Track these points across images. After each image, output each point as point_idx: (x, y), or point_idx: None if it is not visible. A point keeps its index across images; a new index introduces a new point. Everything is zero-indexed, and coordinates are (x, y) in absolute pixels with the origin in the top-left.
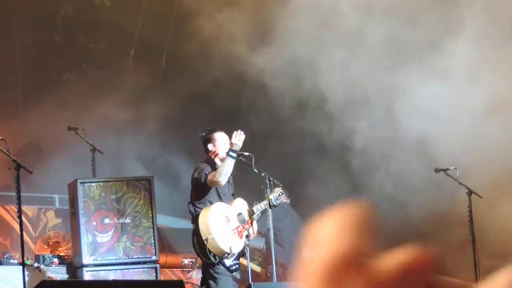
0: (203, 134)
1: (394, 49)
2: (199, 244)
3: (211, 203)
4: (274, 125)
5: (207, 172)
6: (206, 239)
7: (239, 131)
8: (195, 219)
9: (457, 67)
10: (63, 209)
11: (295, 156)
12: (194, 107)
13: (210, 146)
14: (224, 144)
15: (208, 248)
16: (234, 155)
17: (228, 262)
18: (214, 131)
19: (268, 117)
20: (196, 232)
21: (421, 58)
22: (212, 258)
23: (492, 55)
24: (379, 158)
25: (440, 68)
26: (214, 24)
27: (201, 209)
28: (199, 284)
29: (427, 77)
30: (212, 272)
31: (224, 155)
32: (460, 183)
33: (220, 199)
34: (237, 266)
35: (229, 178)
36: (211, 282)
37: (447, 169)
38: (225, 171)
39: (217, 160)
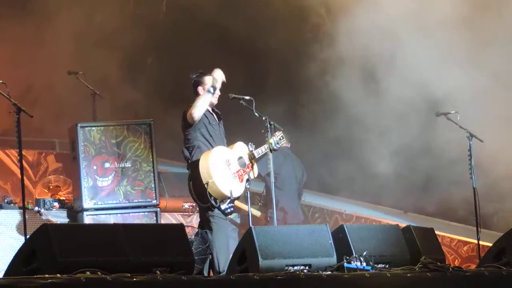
0: (194, 77)
1: None
2: (196, 189)
3: (200, 148)
4: None
5: (187, 108)
6: (207, 183)
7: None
8: (190, 164)
9: None
10: (63, 153)
11: None
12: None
13: (199, 89)
14: None
15: (208, 192)
16: (212, 90)
17: (223, 205)
18: (204, 74)
19: None
20: (192, 177)
21: None
22: (213, 202)
23: None
24: None
25: None
26: None
27: (195, 153)
28: (198, 227)
29: None
30: (207, 215)
31: (213, 99)
32: (460, 127)
33: (212, 139)
34: (232, 209)
35: (218, 122)
36: (206, 225)
37: (448, 113)
38: (199, 104)
39: None
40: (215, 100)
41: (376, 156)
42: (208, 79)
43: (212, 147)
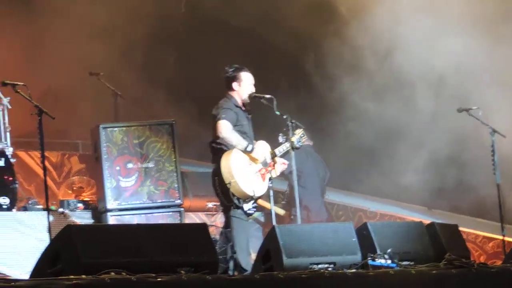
0: (230, 71)
1: None
2: (221, 185)
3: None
4: None
5: (224, 117)
6: (229, 183)
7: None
8: (215, 158)
9: None
10: (86, 154)
11: None
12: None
13: (234, 85)
14: (249, 85)
15: (231, 192)
16: (250, 149)
17: (246, 206)
18: (241, 69)
19: None
20: (217, 172)
21: None
22: (236, 202)
23: None
24: None
25: None
26: None
27: (221, 148)
28: (223, 227)
29: None
30: (229, 215)
31: (246, 96)
32: (482, 123)
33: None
34: (254, 210)
35: (249, 118)
36: (228, 224)
37: (470, 109)
38: (231, 142)
39: (237, 99)
40: (248, 98)
41: (402, 153)
42: (244, 75)
43: None
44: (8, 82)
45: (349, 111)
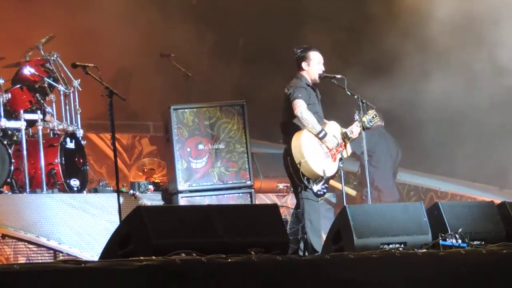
0: (299, 51)
1: None
2: (292, 165)
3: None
4: None
5: (300, 96)
6: (299, 163)
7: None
8: (287, 139)
9: None
10: (157, 136)
11: None
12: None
13: (304, 64)
14: (318, 64)
15: (301, 172)
16: (322, 135)
17: (316, 187)
18: (310, 49)
19: None
20: (288, 152)
21: None
22: (305, 182)
23: None
24: None
25: None
26: None
27: (293, 128)
28: (294, 208)
29: None
30: (300, 196)
31: (316, 75)
32: None
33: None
34: (324, 191)
35: (319, 98)
36: (299, 205)
37: None
38: (306, 124)
39: (307, 78)
40: (318, 79)
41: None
42: (313, 55)
43: None
44: (78, 63)
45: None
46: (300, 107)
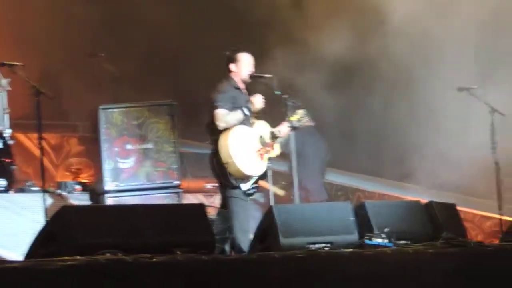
0: (227, 53)
1: None
2: (218, 165)
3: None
4: None
5: (220, 105)
6: (227, 163)
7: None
8: (213, 139)
9: None
10: (86, 136)
11: None
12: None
13: (232, 66)
14: (247, 66)
15: (228, 172)
16: (246, 112)
17: (245, 186)
18: (238, 50)
19: None
20: (215, 153)
21: None
22: (233, 181)
23: None
24: None
25: None
26: None
27: (218, 129)
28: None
29: None
30: (228, 195)
31: (246, 76)
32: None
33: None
34: (255, 190)
35: (247, 98)
36: (227, 205)
37: (470, 88)
38: (229, 121)
39: (237, 80)
40: (248, 78)
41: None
42: (242, 56)
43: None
44: (5, 62)
45: None
46: (219, 118)
